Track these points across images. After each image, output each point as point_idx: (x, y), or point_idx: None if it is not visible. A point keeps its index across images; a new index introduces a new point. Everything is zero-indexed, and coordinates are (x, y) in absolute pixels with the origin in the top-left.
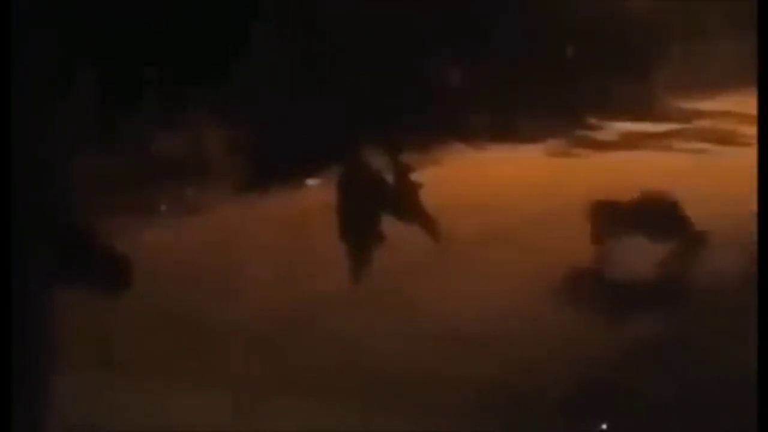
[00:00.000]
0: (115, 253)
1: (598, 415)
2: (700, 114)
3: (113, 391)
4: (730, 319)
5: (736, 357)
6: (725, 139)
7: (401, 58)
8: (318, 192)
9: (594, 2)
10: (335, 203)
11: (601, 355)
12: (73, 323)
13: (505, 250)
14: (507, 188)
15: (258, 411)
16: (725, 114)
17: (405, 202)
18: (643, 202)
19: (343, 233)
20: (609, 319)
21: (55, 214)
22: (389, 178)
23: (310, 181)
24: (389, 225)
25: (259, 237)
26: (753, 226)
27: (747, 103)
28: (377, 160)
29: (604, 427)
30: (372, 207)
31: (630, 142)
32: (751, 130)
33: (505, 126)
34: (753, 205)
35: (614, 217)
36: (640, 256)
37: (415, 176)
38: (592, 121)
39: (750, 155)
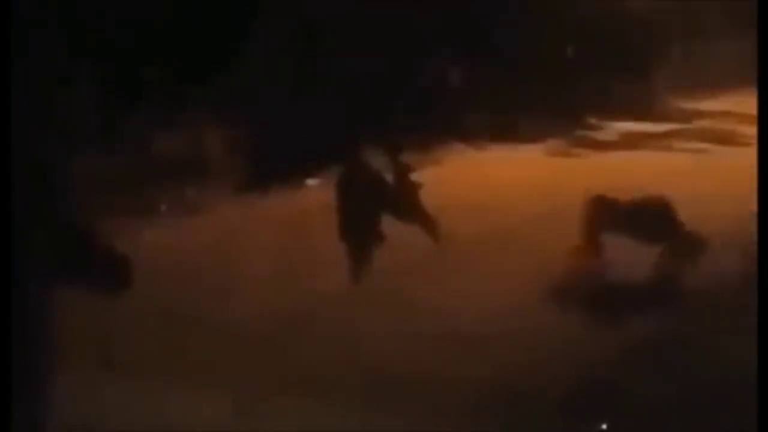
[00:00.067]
0: (115, 253)
1: (598, 416)
2: (700, 114)
3: (113, 391)
4: (730, 319)
5: (736, 357)
6: (725, 139)
7: (401, 58)
8: (318, 192)
9: (594, 2)
10: (335, 203)
11: (601, 355)
12: (73, 323)
13: (505, 250)
14: (507, 188)
15: (258, 411)
16: (725, 114)
17: (405, 202)
18: (636, 203)
19: (343, 233)
20: (609, 319)
21: (55, 214)
22: (389, 178)
23: (310, 181)
24: (389, 225)
25: (259, 237)
26: (753, 226)
27: (747, 103)
28: (377, 160)
29: (604, 427)
30: (372, 207)
31: (630, 142)
32: (751, 130)
33: (505, 126)
34: (753, 205)
35: (607, 218)
36: (636, 257)
37: (415, 176)
38: (592, 121)
39: (750, 155)
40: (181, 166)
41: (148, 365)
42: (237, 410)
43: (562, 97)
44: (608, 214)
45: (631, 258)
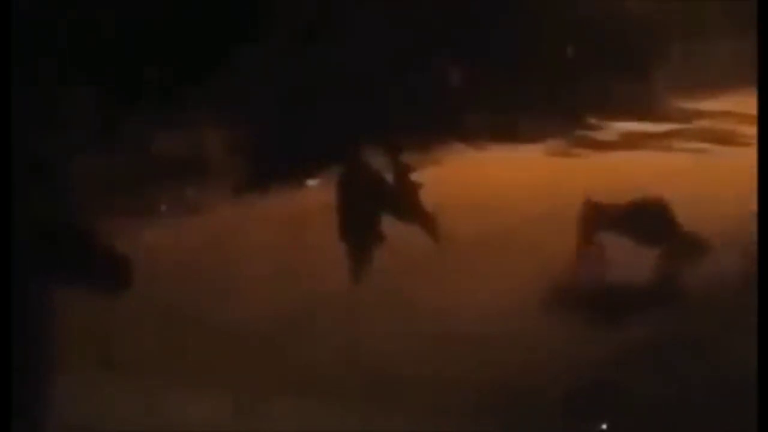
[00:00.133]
0: (115, 253)
1: (598, 416)
2: (700, 114)
3: (113, 391)
4: (730, 319)
5: (736, 357)
6: (725, 139)
7: (401, 58)
8: (318, 192)
9: (594, 2)
10: (335, 203)
11: (601, 356)
12: (73, 323)
13: (505, 250)
14: (507, 188)
15: (258, 411)
16: (725, 114)
17: (405, 202)
18: (633, 205)
19: (343, 233)
20: (609, 320)
21: (55, 214)
22: (389, 178)
23: (310, 181)
24: (389, 225)
25: (260, 237)
26: (753, 227)
27: (747, 103)
28: (377, 160)
29: (604, 427)
30: (372, 207)
31: (630, 142)
32: (751, 130)
33: (505, 126)
34: (753, 205)
35: (604, 221)
36: (636, 257)
37: (415, 176)
38: (592, 121)
39: (750, 155)
40: (181, 166)
41: (148, 365)
42: (237, 410)
43: (562, 97)
44: (605, 217)
45: (630, 258)
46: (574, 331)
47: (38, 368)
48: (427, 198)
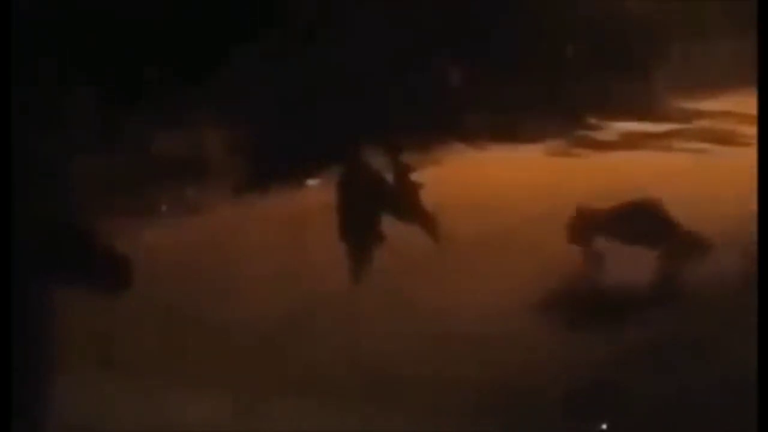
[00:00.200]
0: (115, 253)
1: (598, 416)
2: (700, 114)
3: (113, 391)
4: (730, 319)
5: (736, 357)
6: (725, 139)
7: (401, 58)
8: (318, 192)
9: (594, 2)
10: (335, 203)
11: (601, 356)
12: (73, 323)
13: (505, 250)
14: (507, 188)
15: (258, 411)
16: (725, 114)
17: (405, 202)
18: (625, 207)
19: (343, 233)
20: (609, 320)
21: (55, 214)
22: (389, 178)
23: (310, 181)
24: (389, 225)
25: (259, 237)
26: (753, 227)
27: (747, 103)
28: (377, 160)
29: (604, 427)
30: (372, 207)
31: (630, 142)
32: (751, 130)
33: (505, 126)
34: (753, 206)
35: (597, 225)
36: (635, 258)
37: (415, 176)
38: (592, 121)
39: (750, 155)
40: (181, 166)
41: (148, 365)
42: (237, 410)
43: (562, 97)
44: (598, 221)
45: (629, 259)
46: (574, 332)
47: (38, 368)
48: (427, 198)
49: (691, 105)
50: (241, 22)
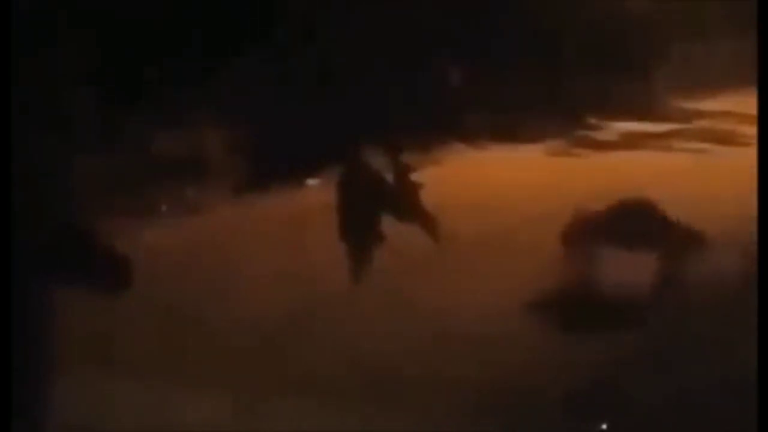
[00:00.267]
0: (115, 253)
1: (598, 416)
2: (700, 114)
3: (113, 391)
4: (730, 319)
5: (736, 357)
6: (725, 139)
7: (401, 58)
8: (318, 192)
9: (594, 2)
10: (335, 203)
11: (601, 356)
12: (73, 323)
13: (505, 250)
14: (507, 188)
15: (258, 411)
16: (725, 114)
17: (405, 202)
18: (623, 207)
19: (343, 233)
20: (608, 320)
21: (55, 214)
22: (389, 178)
23: (310, 181)
24: (389, 225)
25: (259, 237)
26: (753, 227)
27: (747, 103)
28: (377, 160)
29: (604, 427)
30: (372, 207)
31: (630, 142)
32: (751, 130)
33: (505, 126)
34: (753, 206)
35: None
36: (634, 258)
37: (415, 176)
38: (592, 121)
39: (750, 155)
40: (181, 166)
41: (148, 365)
42: (237, 410)
43: (562, 97)
44: (595, 223)
45: (628, 259)
46: (574, 332)
47: (38, 368)
48: (427, 198)
49: (691, 105)
50: (241, 22)
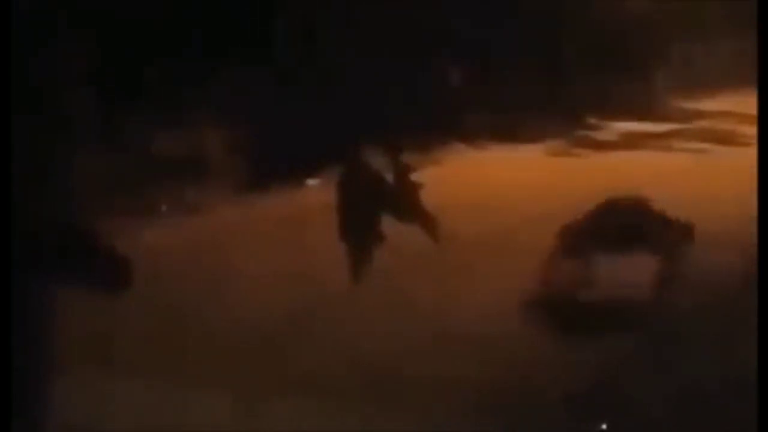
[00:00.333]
0: (116, 253)
1: (598, 416)
2: (700, 114)
3: (113, 391)
4: (730, 320)
5: (736, 357)
6: (725, 139)
7: (401, 58)
8: (318, 192)
9: (594, 2)
10: (335, 203)
11: (601, 356)
12: (73, 323)
13: (505, 250)
14: (507, 188)
15: (258, 411)
16: (725, 114)
17: (405, 202)
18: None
19: (343, 233)
20: (608, 320)
21: (55, 214)
22: (389, 178)
23: (310, 181)
24: (389, 225)
25: (260, 237)
26: (753, 227)
27: (747, 103)
28: (377, 160)
29: (604, 427)
30: (372, 207)
31: (630, 142)
32: (751, 130)
33: (505, 126)
34: (753, 206)
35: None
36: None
37: (415, 176)
38: (592, 121)
39: (750, 155)
40: (181, 166)
41: (148, 365)
42: (237, 410)
43: (562, 97)
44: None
45: (628, 259)
46: (574, 332)
47: (38, 368)
48: (427, 198)
49: (691, 105)
50: (241, 22)
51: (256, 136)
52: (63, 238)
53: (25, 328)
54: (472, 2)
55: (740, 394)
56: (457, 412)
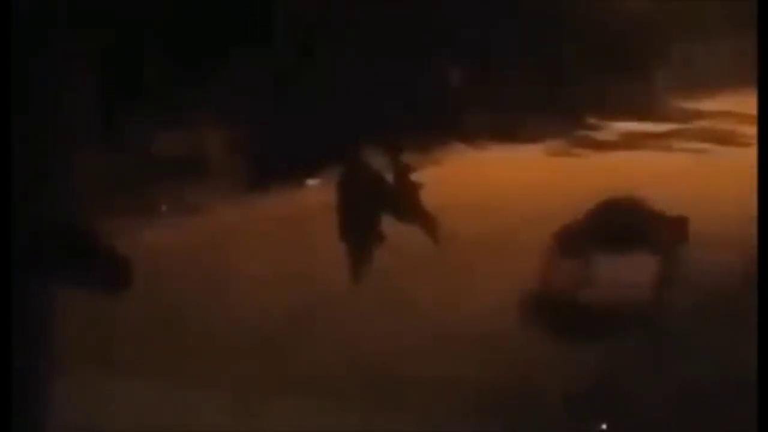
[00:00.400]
0: (116, 253)
1: (598, 415)
2: (700, 114)
3: (113, 391)
4: (730, 319)
5: (736, 357)
6: (725, 139)
7: (401, 58)
8: (318, 192)
9: (594, 2)
10: (335, 203)
11: (601, 356)
12: (73, 323)
13: (505, 250)
14: (507, 188)
15: (258, 411)
16: (725, 114)
17: (405, 202)
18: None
19: (343, 233)
20: (608, 320)
21: (55, 214)
22: (389, 178)
23: (310, 181)
24: (389, 225)
25: (259, 237)
26: (753, 227)
27: (747, 103)
28: (377, 160)
29: (604, 427)
30: (372, 207)
31: (630, 142)
32: (751, 130)
33: (505, 126)
34: (753, 206)
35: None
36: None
37: (415, 176)
38: (592, 121)
39: (750, 155)
40: (181, 166)
41: (148, 365)
42: (237, 410)
43: (562, 97)
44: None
45: (628, 259)
46: (574, 332)
47: (38, 368)
48: (427, 198)
49: (691, 105)
50: (241, 23)
51: (256, 136)
52: (63, 238)
53: (25, 328)
54: (472, 2)
55: (740, 394)
56: (457, 412)
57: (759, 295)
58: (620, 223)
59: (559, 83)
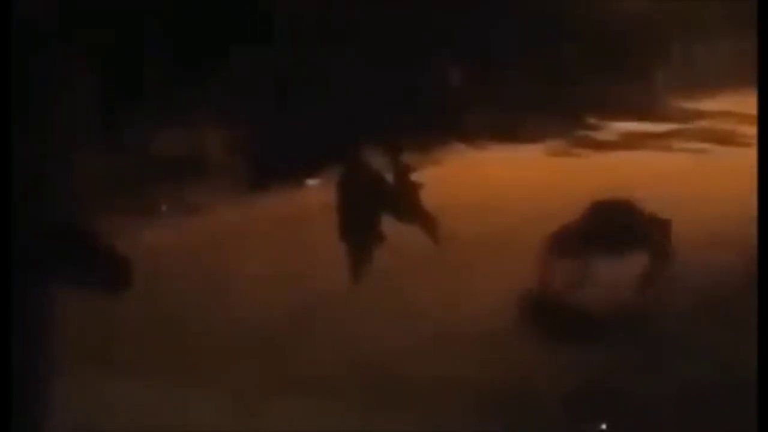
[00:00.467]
0: (115, 253)
1: (597, 415)
2: (700, 114)
3: (113, 391)
4: (730, 319)
5: (736, 357)
6: (725, 139)
7: (401, 58)
8: (318, 192)
9: (594, 2)
10: (335, 203)
11: (601, 356)
12: (73, 323)
13: (505, 250)
14: (507, 188)
15: (258, 411)
16: (725, 114)
17: (405, 202)
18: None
19: (343, 233)
20: (608, 320)
21: (55, 214)
22: (389, 178)
23: (310, 181)
24: (389, 225)
25: (259, 237)
26: (753, 227)
27: (747, 103)
28: (377, 160)
29: (604, 427)
30: (372, 207)
31: (630, 142)
32: (751, 130)
33: (505, 126)
34: (753, 206)
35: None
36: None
37: (415, 176)
38: (592, 121)
39: (750, 155)
40: (181, 166)
41: (148, 365)
42: (237, 410)
43: (562, 97)
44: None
45: (628, 259)
46: (574, 332)
47: (38, 368)
48: (427, 198)
49: (691, 105)
50: (241, 23)
51: (256, 136)
52: (63, 238)
53: (25, 328)
54: (472, 2)
55: (740, 394)
56: (457, 412)
57: (759, 295)
58: (617, 224)
59: (559, 83)
